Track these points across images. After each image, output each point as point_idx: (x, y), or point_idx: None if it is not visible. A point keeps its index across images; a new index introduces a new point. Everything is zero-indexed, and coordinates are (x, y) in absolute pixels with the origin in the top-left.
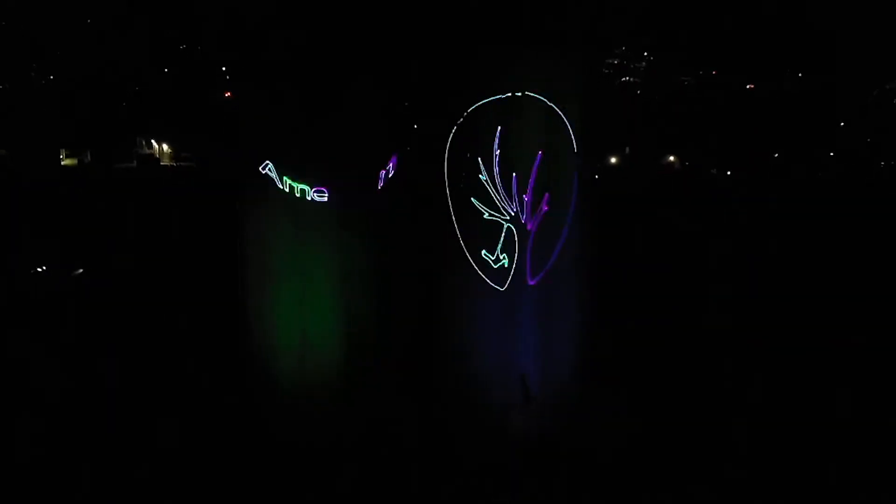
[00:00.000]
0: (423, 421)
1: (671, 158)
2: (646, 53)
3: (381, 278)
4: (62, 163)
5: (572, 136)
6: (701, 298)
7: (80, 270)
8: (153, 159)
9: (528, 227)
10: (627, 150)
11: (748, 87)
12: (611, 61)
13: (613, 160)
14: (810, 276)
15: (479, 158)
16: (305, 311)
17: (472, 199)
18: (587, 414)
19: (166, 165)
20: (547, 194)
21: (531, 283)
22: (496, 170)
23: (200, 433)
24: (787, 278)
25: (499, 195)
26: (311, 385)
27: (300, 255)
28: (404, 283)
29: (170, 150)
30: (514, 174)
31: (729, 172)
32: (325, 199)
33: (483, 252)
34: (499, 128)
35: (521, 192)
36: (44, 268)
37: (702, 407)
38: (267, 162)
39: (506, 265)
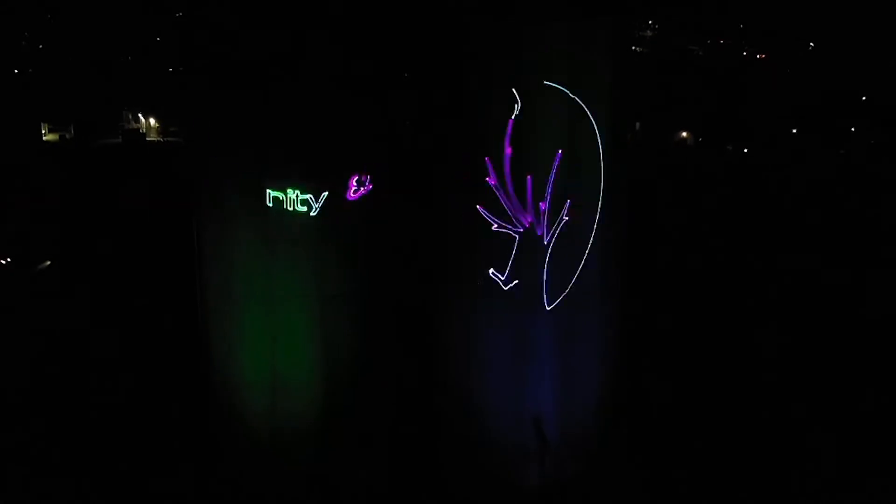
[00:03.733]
0: (418, 475)
1: (683, 134)
2: (651, 22)
3: (369, 304)
4: (44, 138)
5: (597, 132)
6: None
7: (48, 263)
8: (139, 134)
9: (546, 240)
10: (638, 125)
11: (759, 56)
12: None
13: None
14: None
15: (487, 158)
16: (277, 344)
17: (478, 207)
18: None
19: (153, 140)
20: (568, 201)
21: (548, 307)
22: (507, 172)
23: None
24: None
25: (510, 202)
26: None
27: (271, 275)
28: (397, 309)
29: (157, 125)
30: (528, 177)
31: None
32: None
33: (491, 271)
34: (510, 122)
35: (536, 198)
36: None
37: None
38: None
39: (518, 286)
